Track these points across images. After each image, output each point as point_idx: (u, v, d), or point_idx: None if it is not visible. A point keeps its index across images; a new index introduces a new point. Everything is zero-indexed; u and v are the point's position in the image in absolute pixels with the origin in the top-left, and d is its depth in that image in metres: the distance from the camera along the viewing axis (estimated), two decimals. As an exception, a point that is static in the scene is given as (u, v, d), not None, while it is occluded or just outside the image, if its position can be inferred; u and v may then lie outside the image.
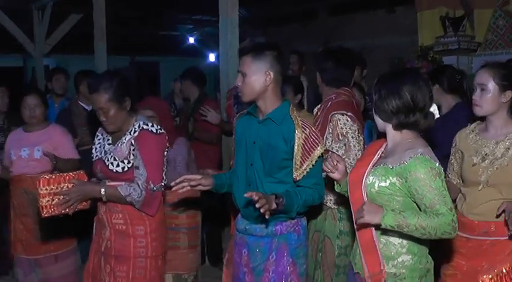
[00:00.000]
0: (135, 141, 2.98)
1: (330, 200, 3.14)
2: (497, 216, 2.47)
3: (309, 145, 2.67)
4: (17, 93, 4.33)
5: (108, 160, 3.00)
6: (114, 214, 3.04)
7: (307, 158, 2.68)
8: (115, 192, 2.94)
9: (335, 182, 2.68)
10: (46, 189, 2.91)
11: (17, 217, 4.05)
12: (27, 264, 4.06)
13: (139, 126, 3.00)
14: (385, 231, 2.29)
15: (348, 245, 3.09)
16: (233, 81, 4.24)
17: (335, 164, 2.56)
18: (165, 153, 3.10)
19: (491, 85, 2.62)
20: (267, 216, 2.47)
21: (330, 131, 3.18)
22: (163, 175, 3.07)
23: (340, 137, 3.15)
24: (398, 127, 2.34)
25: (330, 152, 2.75)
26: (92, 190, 3.00)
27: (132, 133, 3.00)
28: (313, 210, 3.02)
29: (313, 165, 2.68)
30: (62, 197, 2.93)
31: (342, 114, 3.18)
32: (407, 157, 2.24)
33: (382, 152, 2.46)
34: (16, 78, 11.84)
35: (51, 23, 8.92)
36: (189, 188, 2.79)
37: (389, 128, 2.37)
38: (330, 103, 3.25)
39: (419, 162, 2.21)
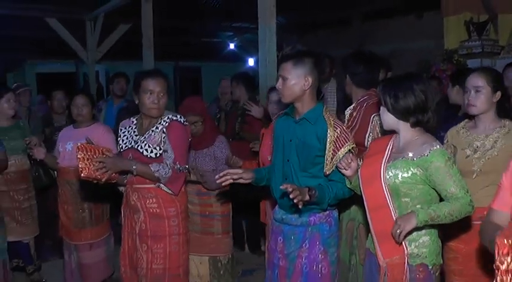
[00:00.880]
0: (166, 130, 3.21)
1: None
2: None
3: (340, 142, 2.77)
4: (70, 95, 4.57)
5: (141, 148, 3.21)
6: (148, 199, 3.25)
7: (336, 153, 2.78)
8: (145, 168, 3.12)
9: (346, 179, 2.78)
10: (83, 154, 3.09)
11: (60, 205, 4.22)
12: (69, 248, 4.25)
13: (168, 118, 3.25)
14: None
15: None
16: (270, 82, 4.46)
17: (349, 162, 2.68)
18: (189, 142, 3.37)
19: (485, 87, 2.84)
20: (300, 206, 2.57)
21: (370, 130, 3.27)
22: (187, 160, 3.34)
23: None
24: (414, 125, 2.49)
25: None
26: (125, 163, 3.18)
27: (163, 123, 3.24)
28: (347, 202, 3.08)
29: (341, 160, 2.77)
30: (99, 163, 3.08)
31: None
32: (427, 150, 2.41)
33: (390, 150, 2.59)
34: (69, 82, 12.22)
35: (102, 32, 9.22)
36: (231, 181, 2.88)
37: (404, 126, 2.52)
38: (365, 104, 3.35)
39: (438, 153, 2.40)
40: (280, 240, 2.98)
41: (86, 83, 9.93)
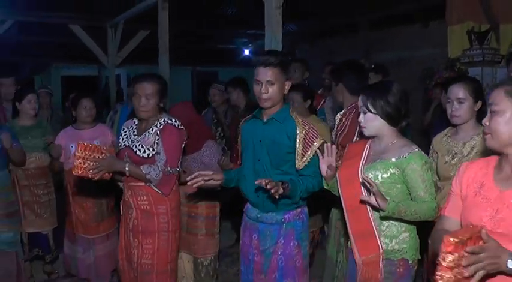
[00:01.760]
0: (160, 132, 3.24)
1: None
2: None
3: (308, 139, 2.83)
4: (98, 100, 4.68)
5: (136, 147, 3.25)
6: (140, 197, 3.28)
7: (308, 149, 2.83)
8: (137, 170, 3.17)
9: (323, 181, 2.81)
10: (81, 152, 3.16)
11: (76, 203, 4.30)
12: (87, 243, 4.32)
13: (164, 121, 3.26)
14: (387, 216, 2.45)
15: None
16: None
17: (330, 152, 2.70)
18: (183, 145, 3.35)
19: (467, 98, 2.92)
20: (277, 196, 2.64)
21: (357, 135, 3.29)
22: (179, 162, 3.32)
23: None
24: (400, 129, 2.58)
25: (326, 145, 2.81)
26: (118, 164, 3.23)
27: (158, 126, 3.26)
28: (337, 202, 3.03)
29: (313, 155, 2.84)
30: (92, 163, 3.16)
31: None
32: (406, 152, 2.47)
33: (367, 153, 2.63)
34: (92, 85, 12.47)
35: (122, 38, 9.37)
36: (202, 182, 2.88)
37: (388, 131, 2.55)
38: (354, 110, 3.32)
39: (417, 156, 2.46)
40: (255, 237, 3.01)
41: (106, 85, 10.10)
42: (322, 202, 3.53)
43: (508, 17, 6.53)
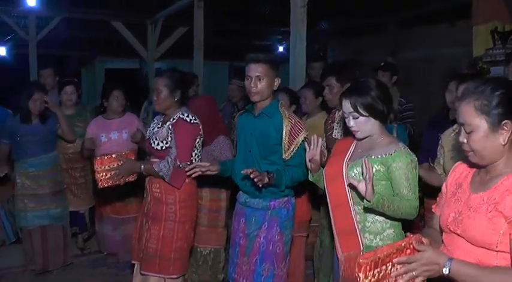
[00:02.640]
0: (172, 127, 3.31)
1: None
2: None
3: (294, 132, 2.93)
4: (134, 89, 4.96)
5: (152, 140, 3.38)
6: (154, 184, 3.39)
7: (293, 141, 2.92)
8: (151, 169, 3.32)
9: (309, 172, 2.81)
10: (100, 167, 3.40)
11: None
12: (116, 222, 4.61)
13: (177, 116, 3.32)
14: (372, 211, 2.41)
15: None
16: (299, 84, 4.62)
17: (316, 144, 2.69)
18: (197, 139, 3.37)
19: None
20: (260, 185, 2.77)
21: None
22: (192, 156, 3.35)
23: None
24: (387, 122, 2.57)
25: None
26: (135, 166, 3.42)
27: (171, 121, 3.33)
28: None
29: (298, 147, 2.92)
30: (113, 172, 3.38)
31: None
32: (392, 150, 2.42)
33: (354, 149, 2.59)
34: (134, 77, 12.78)
35: (161, 34, 9.64)
36: (200, 172, 3.01)
37: (379, 129, 2.50)
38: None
39: (402, 154, 2.40)
40: (242, 221, 3.13)
41: (145, 78, 10.42)
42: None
43: (532, 17, 6.52)
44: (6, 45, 11.49)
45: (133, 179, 3.54)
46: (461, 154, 2.78)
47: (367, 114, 2.44)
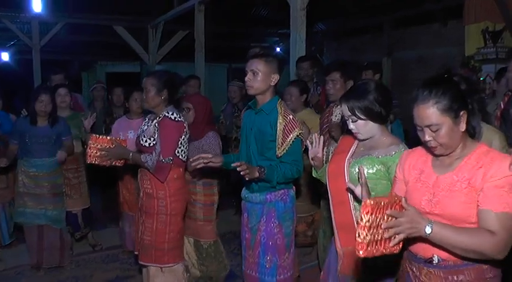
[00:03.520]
0: (158, 125, 3.42)
1: None
2: None
3: (287, 129, 2.93)
4: (129, 91, 4.83)
5: (141, 137, 3.51)
6: (145, 180, 3.52)
7: (286, 139, 2.92)
8: (138, 158, 3.44)
9: (313, 168, 2.84)
10: (93, 144, 3.54)
11: (123, 185, 4.74)
12: (132, 219, 4.50)
13: (163, 114, 3.43)
14: None
15: None
16: None
17: (318, 142, 2.74)
18: (182, 136, 3.46)
19: None
20: (247, 179, 2.85)
21: None
22: (178, 152, 3.45)
23: None
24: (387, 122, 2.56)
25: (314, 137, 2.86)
26: (124, 152, 3.55)
27: (157, 119, 3.45)
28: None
29: (290, 145, 2.92)
30: (103, 152, 3.53)
31: None
32: (393, 151, 2.41)
33: (356, 148, 2.59)
34: (134, 80, 12.93)
35: (162, 38, 9.80)
36: (203, 164, 3.03)
37: (379, 130, 2.49)
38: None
39: None
40: (245, 215, 3.21)
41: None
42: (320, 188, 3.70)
43: (522, 17, 6.70)
44: (9, 50, 11.64)
45: (120, 165, 3.70)
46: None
47: (365, 118, 2.44)
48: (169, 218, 3.50)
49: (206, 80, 7.73)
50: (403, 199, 1.78)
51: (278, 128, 2.94)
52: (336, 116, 3.76)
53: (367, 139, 2.52)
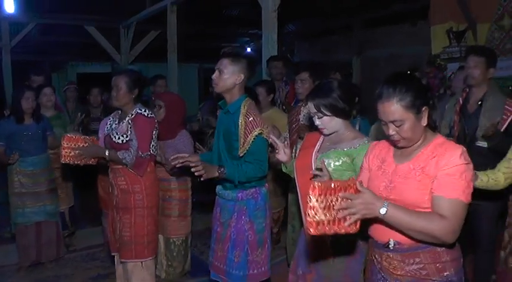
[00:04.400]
0: (131, 121, 3.47)
1: None
2: None
3: (248, 129, 2.96)
4: (106, 92, 5.04)
5: (113, 134, 3.52)
6: (119, 178, 3.56)
7: (247, 138, 2.96)
8: (115, 155, 3.47)
9: (282, 164, 2.91)
10: (67, 144, 3.54)
11: (99, 183, 4.73)
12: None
13: (135, 111, 3.48)
14: None
15: None
16: None
17: (284, 143, 2.82)
18: (154, 132, 3.53)
19: None
20: (202, 178, 2.91)
21: None
22: (151, 147, 3.51)
23: None
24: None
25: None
26: (99, 151, 3.57)
27: (130, 115, 3.49)
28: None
29: (251, 144, 2.95)
30: (77, 151, 3.53)
31: None
32: (357, 144, 2.57)
33: (322, 143, 2.72)
34: (105, 81, 12.84)
35: (134, 38, 9.79)
36: (180, 164, 3.06)
37: (343, 124, 2.64)
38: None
39: (366, 147, 2.46)
40: (218, 210, 3.29)
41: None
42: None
43: (483, 17, 6.87)
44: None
45: (93, 163, 3.69)
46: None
47: (330, 114, 2.59)
48: (146, 211, 3.56)
49: (177, 80, 7.80)
50: (358, 183, 1.87)
51: (240, 128, 2.99)
52: (304, 115, 3.88)
53: (333, 134, 2.66)
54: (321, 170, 2.32)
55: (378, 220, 1.93)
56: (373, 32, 9.65)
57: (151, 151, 3.55)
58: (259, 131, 2.98)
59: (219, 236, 3.24)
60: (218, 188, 3.28)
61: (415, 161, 2.04)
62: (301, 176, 2.69)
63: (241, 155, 3.00)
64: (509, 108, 3.53)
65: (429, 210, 1.95)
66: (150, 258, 3.65)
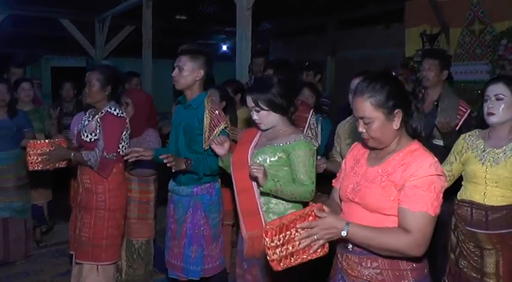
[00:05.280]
0: (100, 120, 3.38)
1: None
2: None
3: (213, 124, 3.04)
4: (80, 87, 4.91)
5: (82, 132, 3.45)
6: (84, 175, 3.48)
7: (212, 132, 3.03)
8: (80, 157, 3.39)
9: (219, 158, 2.94)
10: (33, 150, 3.45)
11: (73, 177, 4.38)
12: None
13: (105, 110, 3.40)
14: (273, 195, 2.61)
15: None
16: (244, 82, 4.76)
17: (222, 141, 2.86)
18: (124, 132, 3.44)
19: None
20: (173, 170, 2.94)
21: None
22: (119, 148, 3.42)
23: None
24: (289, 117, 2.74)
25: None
26: (65, 153, 3.48)
27: (100, 114, 3.41)
28: None
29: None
30: (45, 156, 3.44)
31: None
32: (293, 139, 2.62)
33: (259, 139, 2.76)
34: (79, 75, 12.65)
35: (109, 32, 9.59)
36: (135, 158, 3.12)
37: (281, 120, 2.69)
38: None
39: (302, 143, 2.61)
40: (172, 207, 3.29)
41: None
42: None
43: (455, 22, 6.99)
44: None
45: (63, 166, 3.61)
46: (357, 140, 3.01)
47: (267, 109, 2.64)
48: (107, 213, 3.45)
49: (152, 76, 7.70)
50: (315, 209, 1.83)
51: (205, 123, 3.05)
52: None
53: (269, 129, 2.71)
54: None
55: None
56: (347, 33, 9.66)
57: (121, 152, 3.44)
58: (224, 126, 3.07)
59: (173, 233, 3.24)
60: (171, 184, 3.29)
61: (384, 166, 1.99)
62: (237, 171, 2.73)
63: (206, 148, 3.06)
64: (462, 109, 3.70)
65: (393, 217, 1.91)
66: (108, 262, 3.51)
